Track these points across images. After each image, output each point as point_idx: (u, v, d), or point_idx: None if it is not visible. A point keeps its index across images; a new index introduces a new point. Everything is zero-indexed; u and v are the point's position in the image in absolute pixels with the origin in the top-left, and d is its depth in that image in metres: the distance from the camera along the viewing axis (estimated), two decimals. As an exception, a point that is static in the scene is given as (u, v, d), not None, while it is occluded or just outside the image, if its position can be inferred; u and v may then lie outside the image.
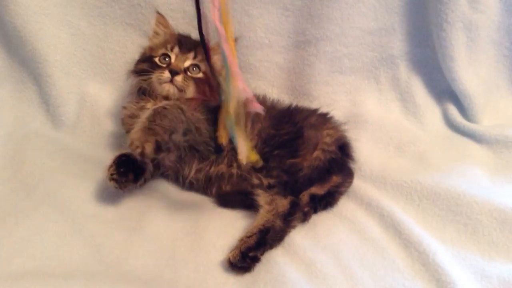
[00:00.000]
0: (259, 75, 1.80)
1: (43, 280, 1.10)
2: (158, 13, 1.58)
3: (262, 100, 1.58)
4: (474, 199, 1.34)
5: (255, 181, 1.39)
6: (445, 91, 1.84)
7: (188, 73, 1.47)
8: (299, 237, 1.29)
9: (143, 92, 1.50)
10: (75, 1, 1.73)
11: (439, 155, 1.62)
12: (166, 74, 1.42)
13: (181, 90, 1.43)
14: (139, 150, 1.15)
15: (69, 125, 1.75)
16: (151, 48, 1.56)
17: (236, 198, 1.43)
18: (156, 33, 1.58)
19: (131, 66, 1.56)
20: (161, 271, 1.17)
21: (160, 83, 1.43)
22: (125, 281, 1.13)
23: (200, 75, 1.48)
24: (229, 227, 1.33)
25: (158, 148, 1.19)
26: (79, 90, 1.78)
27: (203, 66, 1.49)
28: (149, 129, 1.20)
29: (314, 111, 1.59)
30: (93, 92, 1.80)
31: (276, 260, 1.20)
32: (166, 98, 1.45)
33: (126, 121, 1.50)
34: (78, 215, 1.33)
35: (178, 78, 1.42)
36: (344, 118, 1.72)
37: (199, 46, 1.45)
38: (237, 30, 1.70)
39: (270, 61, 1.78)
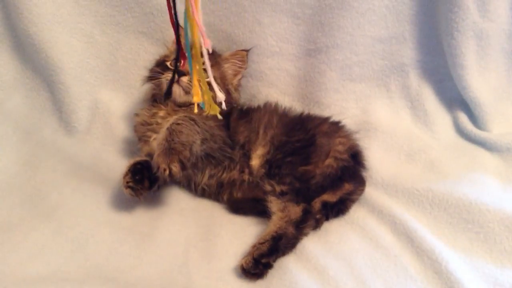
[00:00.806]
0: (270, 83, 1.80)
1: (58, 285, 1.11)
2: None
3: (274, 108, 1.60)
4: (486, 207, 1.34)
5: (268, 187, 1.39)
6: (455, 99, 1.83)
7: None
8: (312, 244, 1.29)
9: (155, 100, 1.53)
10: (88, 10, 1.75)
11: (450, 163, 1.61)
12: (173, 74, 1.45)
13: (187, 91, 1.46)
14: (167, 173, 1.20)
15: (81, 131, 1.76)
16: (166, 56, 1.60)
17: (248, 204, 1.44)
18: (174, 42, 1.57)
19: (145, 73, 1.60)
20: (174, 277, 1.18)
21: (166, 84, 1.47)
22: (139, 286, 1.14)
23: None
24: (241, 233, 1.34)
25: (183, 165, 1.23)
26: (91, 97, 1.80)
27: (214, 72, 1.48)
28: (170, 149, 1.23)
29: (326, 119, 1.60)
30: (105, 99, 1.81)
31: (288, 267, 1.20)
32: (175, 103, 1.49)
33: (138, 128, 1.54)
34: (91, 221, 1.35)
35: (184, 79, 1.45)
36: (354, 126, 1.73)
37: (212, 55, 1.49)
38: (249, 38, 1.72)
39: (281, 69, 1.79)
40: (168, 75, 1.48)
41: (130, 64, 1.81)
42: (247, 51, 1.63)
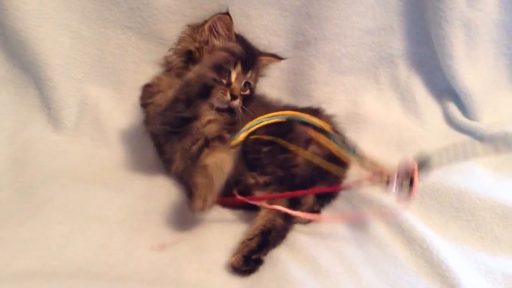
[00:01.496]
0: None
1: (47, 280, 1.09)
2: (227, 14, 1.45)
3: (260, 97, 1.61)
4: (477, 196, 1.34)
5: (251, 180, 1.36)
6: (445, 89, 1.85)
7: (241, 92, 1.48)
8: (302, 235, 1.28)
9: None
10: (75, 5, 1.73)
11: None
12: (228, 97, 1.42)
13: (224, 102, 1.44)
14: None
15: (70, 128, 1.75)
16: (210, 50, 1.44)
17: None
18: (217, 32, 1.47)
19: (178, 54, 1.49)
20: (164, 270, 1.17)
21: (218, 99, 1.42)
22: (129, 280, 1.12)
23: (248, 91, 1.51)
24: (231, 226, 1.33)
25: None
26: (79, 93, 1.78)
27: (252, 82, 1.52)
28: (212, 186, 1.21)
29: (306, 109, 1.59)
30: (93, 95, 1.80)
31: (279, 258, 1.20)
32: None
33: (148, 93, 1.46)
34: (81, 216, 1.33)
35: (236, 102, 1.43)
36: (344, 118, 1.73)
37: (256, 61, 1.52)
38: (236, 31, 1.70)
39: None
40: (221, 95, 1.42)
41: (118, 60, 1.80)
42: (281, 59, 1.63)
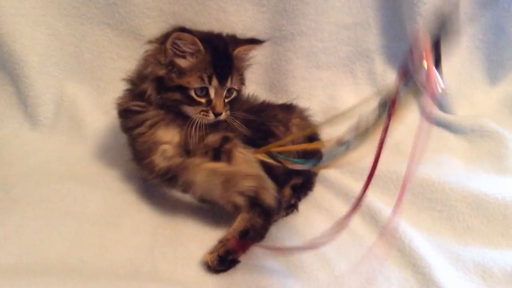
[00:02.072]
0: (237, 71, 1.81)
1: (21, 276, 1.09)
2: (185, 31, 1.27)
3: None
4: (449, 186, 1.37)
5: None
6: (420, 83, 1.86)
7: (225, 100, 1.37)
8: (277, 228, 1.29)
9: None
10: (52, 2, 1.73)
11: (415, 146, 1.64)
12: (211, 116, 1.33)
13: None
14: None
15: (47, 125, 1.75)
16: (179, 72, 1.31)
17: None
18: (181, 51, 1.30)
19: (149, 80, 1.33)
20: (140, 265, 1.17)
21: (201, 119, 1.33)
22: (104, 275, 1.12)
23: (234, 94, 1.41)
24: (208, 221, 1.33)
25: None
26: (57, 91, 1.78)
27: (236, 85, 1.40)
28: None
29: (281, 106, 1.60)
30: (71, 92, 1.79)
31: (253, 251, 1.19)
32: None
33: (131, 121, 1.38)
34: (55, 213, 1.33)
35: (222, 117, 1.35)
36: (321, 112, 1.75)
37: (233, 65, 1.36)
38: (214, 27, 1.70)
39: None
40: (203, 116, 1.32)
41: (95, 56, 1.79)
42: (261, 42, 1.46)
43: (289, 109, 1.58)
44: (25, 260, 1.16)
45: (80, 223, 1.30)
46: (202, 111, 1.32)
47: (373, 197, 1.38)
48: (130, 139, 1.40)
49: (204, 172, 1.25)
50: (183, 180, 1.28)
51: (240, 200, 1.18)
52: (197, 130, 1.33)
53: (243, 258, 1.17)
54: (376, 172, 1.44)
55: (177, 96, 1.31)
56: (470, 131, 1.69)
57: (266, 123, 1.47)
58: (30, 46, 1.71)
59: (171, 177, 1.30)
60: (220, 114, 1.33)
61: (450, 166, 1.52)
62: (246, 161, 1.29)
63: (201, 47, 1.29)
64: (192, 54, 1.30)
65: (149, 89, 1.33)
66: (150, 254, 1.21)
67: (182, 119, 1.35)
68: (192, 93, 1.31)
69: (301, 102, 1.67)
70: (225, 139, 1.37)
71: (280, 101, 1.73)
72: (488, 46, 1.91)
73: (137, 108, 1.37)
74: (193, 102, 1.32)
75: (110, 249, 1.22)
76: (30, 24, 1.72)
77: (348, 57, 1.85)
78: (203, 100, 1.32)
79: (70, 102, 1.78)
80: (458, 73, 1.86)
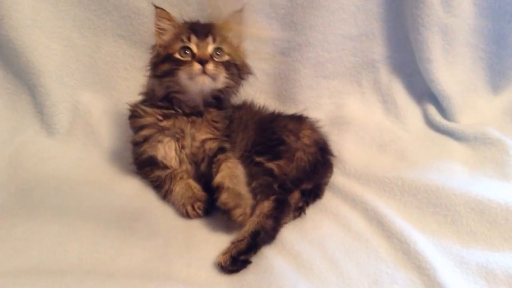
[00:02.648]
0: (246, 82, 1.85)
1: (40, 278, 1.13)
2: (158, 7, 1.48)
3: (250, 108, 1.64)
4: (453, 192, 1.40)
5: None
6: (424, 92, 1.91)
7: (215, 59, 1.41)
8: (287, 232, 1.33)
9: (168, 99, 1.47)
10: (67, 14, 1.79)
11: (419, 153, 1.68)
12: (197, 66, 1.36)
13: (214, 78, 1.39)
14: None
15: (62, 133, 1.80)
16: (163, 47, 1.46)
17: None
18: (162, 29, 1.48)
19: (149, 72, 1.50)
20: (154, 266, 1.20)
21: (192, 78, 1.38)
22: (119, 276, 1.16)
23: (226, 57, 1.45)
24: (220, 224, 1.36)
25: None
26: (72, 100, 1.83)
27: (225, 47, 1.45)
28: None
29: (291, 117, 1.64)
30: (85, 101, 1.85)
31: (264, 253, 1.24)
32: (193, 107, 1.47)
33: (148, 128, 1.49)
34: (72, 217, 1.37)
35: (210, 66, 1.37)
36: (328, 120, 1.79)
37: (213, 27, 1.45)
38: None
39: (256, 67, 1.82)
40: (189, 69, 1.37)
41: (109, 67, 1.85)
42: (240, 10, 1.51)
43: (299, 120, 1.62)
44: (45, 262, 1.20)
45: (97, 227, 1.34)
46: (188, 66, 1.37)
47: (379, 202, 1.42)
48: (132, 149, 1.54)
49: (182, 185, 1.42)
50: (165, 188, 1.44)
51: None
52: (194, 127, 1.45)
53: (254, 260, 1.21)
54: (382, 178, 1.51)
55: (166, 65, 1.42)
56: (473, 138, 1.73)
57: (277, 132, 1.52)
58: (46, 57, 1.77)
59: (158, 184, 1.47)
60: (206, 60, 1.37)
61: (454, 172, 1.55)
62: (230, 176, 1.33)
63: (176, 21, 1.48)
64: (170, 28, 1.47)
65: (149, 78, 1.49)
66: (164, 256, 1.24)
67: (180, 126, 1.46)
68: (177, 55, 1.41)
69: (308, 111, 1.71)
70: (221, 150, 1.43)
71: (288, 109, 1.78)
72: (490, 56, 1.94)
73: (140, 112, 1.49)
74: (180, 64, 1.39)
75: (126, 252, 1.25)
76: (47, 35, 1.78)
77: (354, 67, 1.89)
78: (188, 58, 1.40)
79: (85, 110, 1.83)
80: (461, 82, 1.89)
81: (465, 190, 1.40)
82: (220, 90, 1.47)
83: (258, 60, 1.82)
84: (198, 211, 1.37)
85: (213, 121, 1.49)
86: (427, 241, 1.28)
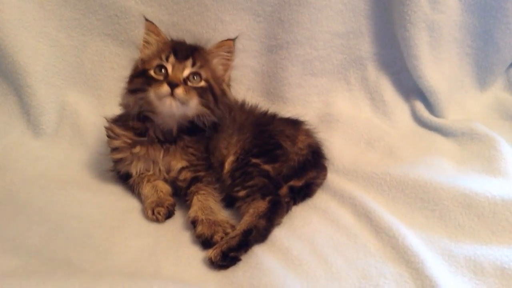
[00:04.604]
0: (235, 79, 1.83)
1: (28, 278, 1.12)
2: (147, 20, 1.47)
3: (241, 104, 1.64)
4: (441, 186, 1.41)
5: (235, 194, 1.40)
6: (412, 89, 1.92)
7: (189, 83, 1.38)
8: (276, 228, 1.33)
9: (141, 118, 1.43)
10: (53, 14, 1.78)
11: (407, 149, 1.69)
12: (165, 88, 1.32)
13: (183, 103, 1.35)
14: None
15: (49, 133, 1.79)
16: (143, 61, 1.44)
17: None
18: (147, 42, 1.46)
19: (125, 84, 1.47)
20: (143, 265, 1.20)
21: (159, 98, 1.34)
22: (108, 275, 1.15)
23: (203, 83, 1.40)
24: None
25: None
26: (59, 100, 1.82)
27: (204, 73, 1.41)
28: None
29: (288, 120, 1.64)
30: (72, 101, 1.84)
31: (253, 250, 1.24)
32: (167, 131, 1.43)
33: (121, 150, 1.48)
34: (60, 217, 1.37)
35: (179, 91, 1.32)
36: (317, 118, 1.81)
37: (196, 51, 1.43)
38: (212, 36, 1.76)
39: (245, 65, 1.85)
40: (158, 89, 1.33)
41: (96, 66, 1.85)
42: (233, 40, 1.47)
43: (296, 124, 1.62)
44: (33, 262, 1.19)
45: (84, 226, 1.33)
46: (158, 86, 1.34)
47: (368, 198, 1.43)
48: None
49: (148, 188, 1.44)
50: (136, 192, 1.47)
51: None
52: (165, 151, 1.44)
53: (244, 257, 1.21)
54: (371, 174, 1.51)
55: (139, 80, 1.39)
56: (460, 134, 1.74)
57: (275, 137, 1.52)
58: (32, 56, 1.76)
59: (131, 188, 1.50)
60: (176, 84, 1.33)
61: (441, 167, 1.56)
62: (202, 208, 1.34)
63: (163, 36, 1.46)
64: (155, 43, 1.45)
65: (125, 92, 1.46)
66: (153, 255, 1.24)
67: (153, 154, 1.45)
68: (152, 72, 1.38)
69: (297, 109, 1.72)
70: (195, 179, 1.43)
71: (277, 108, 1.78)
72: (477, 52, 1.96)
73: (112, 134, 1.48)
74: (153, 82, 1.36)
75: (115, 251, 1.25)
76: (33, 35, 1.77)
77: (341, 64, 1.90)
78: (161, 77, 1.37)
79: (72, 110, 1.83)
80: (448, 78, 1.91)
81: (452, 184, 1.41)
82: (193, 116, 1.42)
83: (246, 58, 1.83)
84: (158, 216, 1.36)
85: (187, 146, 1.45)
86: (415, 235, 1.28)
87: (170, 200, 1.42)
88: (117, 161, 1.50)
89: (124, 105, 1.50)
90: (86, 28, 1.81)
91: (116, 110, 1.55)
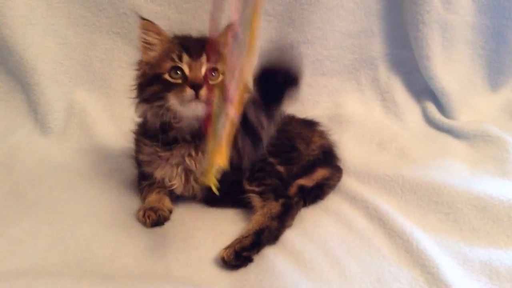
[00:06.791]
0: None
1: (35, 279, 1.11)
2: (144, 19, 1.31)
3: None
4: (455, 189, 1.39)
5: (248, 187, 1.39)
6: (423, 89, 1.91)
7: (210, 81, 1.26)
8: (287, 231, 1.31)
9: (165, 127, 1.32)
10: (61, 11, 1.77)
11: (419, 150, 1.68)
12: (188, 92, 1.21)
13: (209, 103, 1.19)
14: None
15: (57, 132, 1.78)
16: (150, 64, 1.32)
17: (225, 198, 1.41)
18: (148, 43, 1.32)
19: (134, 93, 1.35)
20: (153, 267, 1.19)
21: (183, 104, 1.23)
22: (118, 277, 1.14)
23: (221, 78, 1.29)
24: (218, 225, 1.36)
25: None
26: (66, 98, 1.82)
27: (220, 67, 1.29)
28: None
29: (304, 121, 1.62)
30: (80, 99, 1.83)
31: (265, 252, 1.22)
32: (195, 131, 1.32)
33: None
34: (69, 217, 1.35)
35: (203, 92, 1.20)
36: (327, 118, 1.79)
37: (207, 44, 1.27)
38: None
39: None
40: (180, 94, 1.22)
41: (105, 65, 1.84)
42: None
43: (310, 126, 1.61)
44: (41, 263, 1.18)
45: (94, 227, 1.32)
46: (179, 91, 1.22)
47: (380, 200, 1.41)
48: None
49: (155, 197, 1.40)
50: (143, 195, 1.43)
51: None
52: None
53: (256, 259, 1.19)
54: (383, 176, 1.50)
55: (155, 87, 1.27)
56: (472, 136, 1.72)
57: (291, 139, 1.50)
58: (40, 54, 1.75)
59: (140, 189, 1.45)
60: (199, 85, 1.21)
61: (454, 170, 1.55)
62: None
63: (165, 34, 1.32)
64: (158, 43, 1.31)
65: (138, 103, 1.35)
66: (163, 256, 1.22)
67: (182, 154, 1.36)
68: (167, 77, 1.26)
69: (306, 109, 1.70)
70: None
71: (287, 108, 1.75)
72: (489, 54, 1.95)
73: (142, 146, 1.41)
74: (170, 87, 1.25)
75: (124, 253, 1.23)
76: (40, 33, 1.76)
77: (352, 64, 1.89)
78: (179, 80, 1.25)
79: (79, 109, 1.82)
80: (460, 79, 1.90)
81: (466, 187, 1.39)
82: None
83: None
84: (147, 219, 1.32)
85: None
86: (429, 239, 1.26)
87: (165, 212, 1.37)
88: (143, 162, 1.43)
89: (142, 119, 1.41)
90: (94, 26, 1.80)
91: (124, 108, 1.52)
